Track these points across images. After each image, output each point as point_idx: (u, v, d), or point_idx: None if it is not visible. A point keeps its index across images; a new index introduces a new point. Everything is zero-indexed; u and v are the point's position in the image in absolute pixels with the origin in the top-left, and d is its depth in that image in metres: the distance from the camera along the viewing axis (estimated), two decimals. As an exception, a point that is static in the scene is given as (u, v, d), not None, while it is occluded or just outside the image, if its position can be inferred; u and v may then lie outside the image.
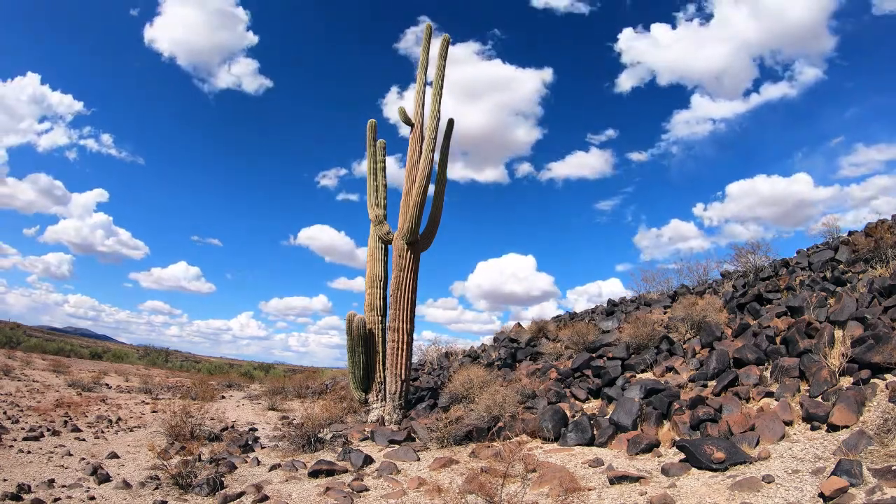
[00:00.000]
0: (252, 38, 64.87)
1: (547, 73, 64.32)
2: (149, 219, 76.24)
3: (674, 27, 61.52)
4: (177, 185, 73.70)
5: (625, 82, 61.40)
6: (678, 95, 66.10)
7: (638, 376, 9.31)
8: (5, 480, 6.15)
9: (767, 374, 7.53)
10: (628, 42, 61.97)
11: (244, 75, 66.69)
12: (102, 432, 9.96)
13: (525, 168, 68.81)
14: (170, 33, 71.58)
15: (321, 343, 76.43)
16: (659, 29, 60.84)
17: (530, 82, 65.79)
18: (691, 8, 62.19)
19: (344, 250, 73.05)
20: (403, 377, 11.30)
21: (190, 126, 72.88)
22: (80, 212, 67.51)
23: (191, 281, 76.63)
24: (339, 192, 67.30)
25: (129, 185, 70.95)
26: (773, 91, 56.34)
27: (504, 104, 67.68)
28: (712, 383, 7.88)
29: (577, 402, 9.02)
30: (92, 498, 5.75)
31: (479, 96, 68.63)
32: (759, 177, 57.90)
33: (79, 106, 59.97)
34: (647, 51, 60.95)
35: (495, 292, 65.84)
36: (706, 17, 61.13)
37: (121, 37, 68.11)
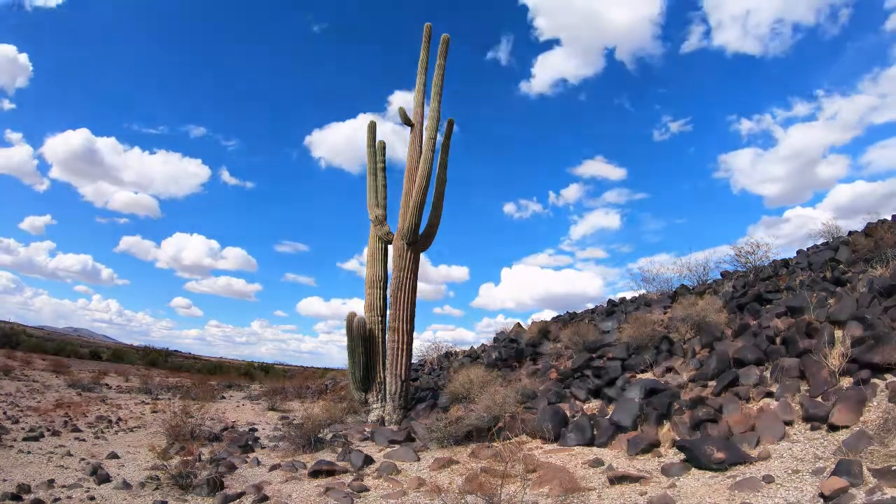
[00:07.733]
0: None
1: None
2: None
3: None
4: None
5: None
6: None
7: (638, 376, 9.30)
8: (5, 480, 6.14)
9: (767, 374, 7.52)
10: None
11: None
12: (102, 432, 9.96)
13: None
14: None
15: (339, 343, 77.38)
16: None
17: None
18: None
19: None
20: (403, 377, 11.31)
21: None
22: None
23: (235, 288, 79.39)
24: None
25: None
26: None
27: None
28: (712, 383, 7.87)
29: (577, 403, 9.01)
30: (92, 498, 5.75)
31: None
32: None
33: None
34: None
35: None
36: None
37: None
